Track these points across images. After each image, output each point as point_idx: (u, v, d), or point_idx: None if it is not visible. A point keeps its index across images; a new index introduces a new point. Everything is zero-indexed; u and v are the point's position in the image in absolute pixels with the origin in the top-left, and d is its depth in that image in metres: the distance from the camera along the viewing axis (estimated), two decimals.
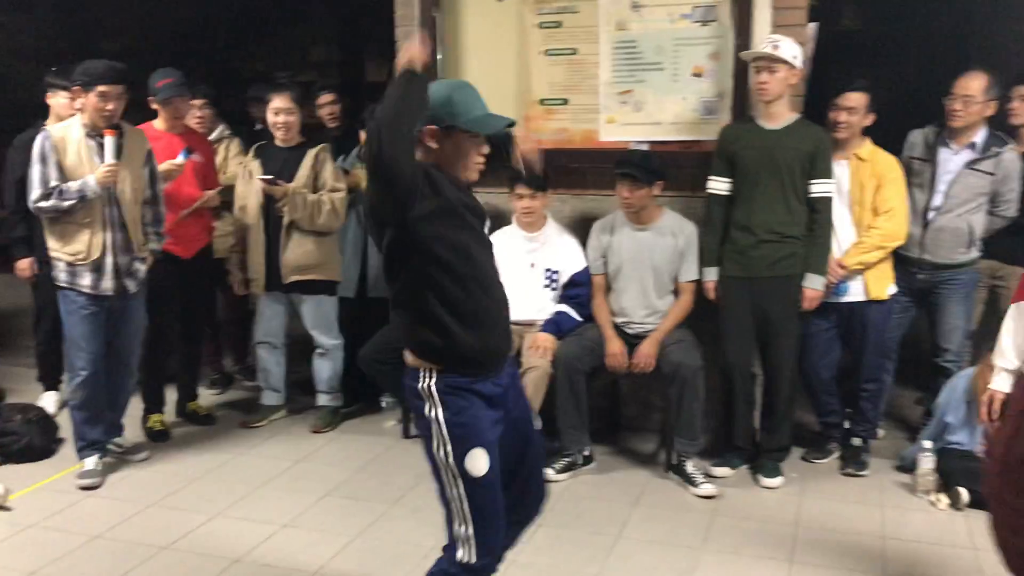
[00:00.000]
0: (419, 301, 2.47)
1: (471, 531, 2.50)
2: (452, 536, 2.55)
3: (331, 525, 3.76)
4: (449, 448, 2.47)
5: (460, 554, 2.52)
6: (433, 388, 2.48)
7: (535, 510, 2.81)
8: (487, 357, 2.53)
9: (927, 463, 3.92)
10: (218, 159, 5.12)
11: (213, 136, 5.23)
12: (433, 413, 2.48)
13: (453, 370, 2.48)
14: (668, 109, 4.43)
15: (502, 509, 2.57)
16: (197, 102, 4.99)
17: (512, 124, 2.53)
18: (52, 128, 4.08)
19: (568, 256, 4.37)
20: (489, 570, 2.58)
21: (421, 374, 2.50)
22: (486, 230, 2.58)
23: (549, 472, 4.11)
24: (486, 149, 2.55)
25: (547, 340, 4.20)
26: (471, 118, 2.46)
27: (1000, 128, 4.25)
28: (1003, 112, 4.28)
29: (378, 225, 2.47)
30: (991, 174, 4.11)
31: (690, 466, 4.07)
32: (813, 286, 4.00)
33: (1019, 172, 4.17)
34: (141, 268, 4.20)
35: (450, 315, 2.45)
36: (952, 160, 4.14)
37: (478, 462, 2.47)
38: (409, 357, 2.54)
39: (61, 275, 4.06)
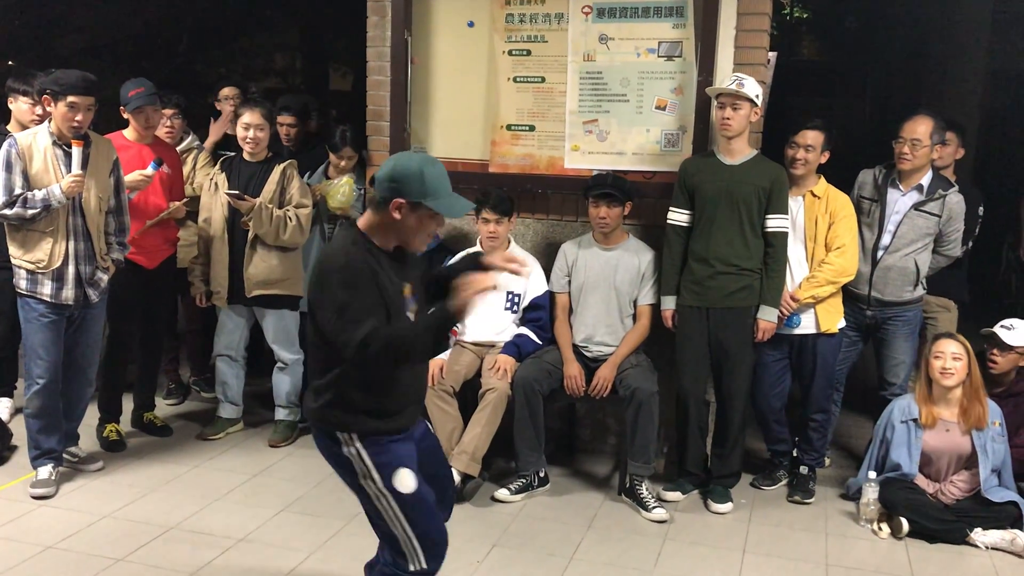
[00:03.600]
0: (334, 379, 2.64)
1: (417, 544, 2.70)
2: (400, 552, 2.72)
3: (287, 540, 3.78)
4: (376, 475, 2.65)
5: (412, 567, 2.72)
6: (352, 435, 2.66)
7: (451, 503, 3.09)
8: (394, 430, 2.70)
9: (871, 493, 4.05)
10: (186, 169, 5.10)
11: (183, 146, 5.19)
12: (352, 450, 2.66)
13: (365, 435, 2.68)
14: (631, 140, 4.54)
15: (437, 516, 2.78)
16: (167, 111, 4.96)
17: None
18: (19, 136, 4.04)
19: (530, 280, 4.44)
20: (438, 568, 2.78)
21: (339, 433, 2.68)
22: (407, 292, 2.67)
23: (504, 493, 4.20)
24: (442, 223, 2.69)
25: (507, 362, 4.27)
26: (440, 201, 2.57)
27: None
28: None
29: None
30: (937, 216, 4.26)
31: (643, 490, 4.16)
32: (767, 318, 4.13)
33: (963, 214, 4.34)
34: (103, 278, 4.19)
35: (361, 400, 2.64)
36: (900, 201, 4.29)
37: (406, 480, 2.66)
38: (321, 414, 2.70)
39: (22, 283, 4.03)
